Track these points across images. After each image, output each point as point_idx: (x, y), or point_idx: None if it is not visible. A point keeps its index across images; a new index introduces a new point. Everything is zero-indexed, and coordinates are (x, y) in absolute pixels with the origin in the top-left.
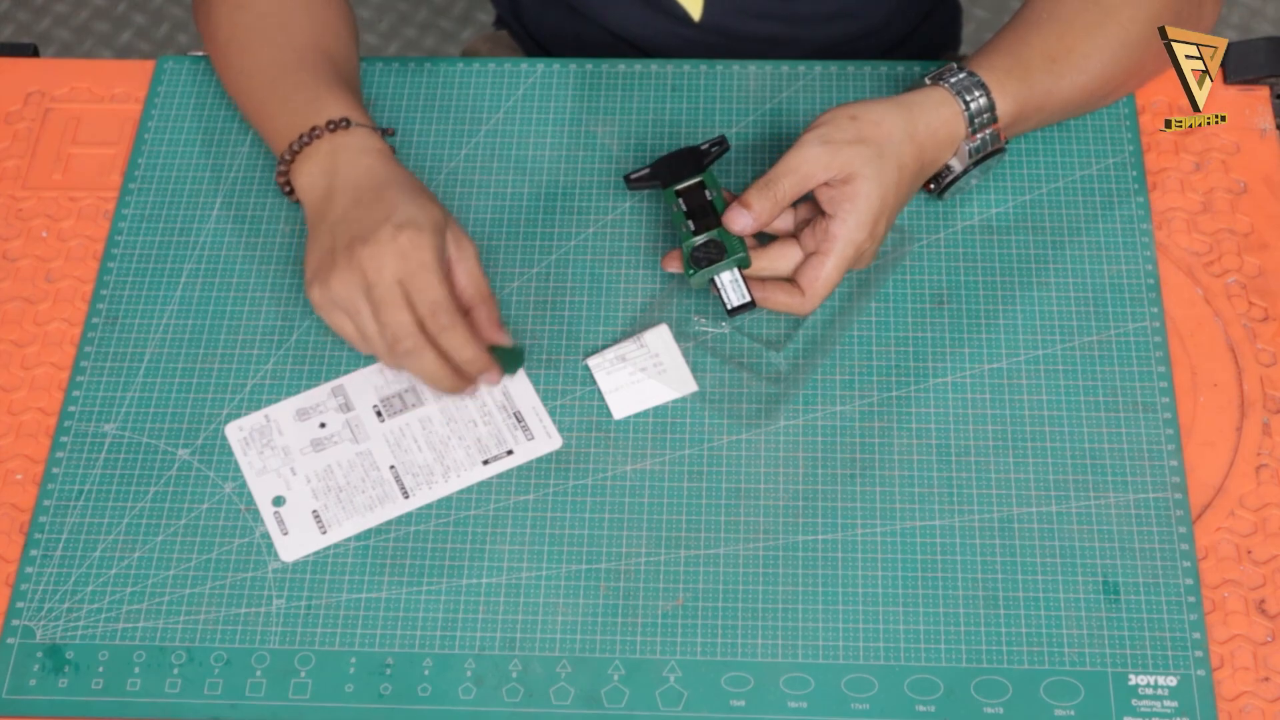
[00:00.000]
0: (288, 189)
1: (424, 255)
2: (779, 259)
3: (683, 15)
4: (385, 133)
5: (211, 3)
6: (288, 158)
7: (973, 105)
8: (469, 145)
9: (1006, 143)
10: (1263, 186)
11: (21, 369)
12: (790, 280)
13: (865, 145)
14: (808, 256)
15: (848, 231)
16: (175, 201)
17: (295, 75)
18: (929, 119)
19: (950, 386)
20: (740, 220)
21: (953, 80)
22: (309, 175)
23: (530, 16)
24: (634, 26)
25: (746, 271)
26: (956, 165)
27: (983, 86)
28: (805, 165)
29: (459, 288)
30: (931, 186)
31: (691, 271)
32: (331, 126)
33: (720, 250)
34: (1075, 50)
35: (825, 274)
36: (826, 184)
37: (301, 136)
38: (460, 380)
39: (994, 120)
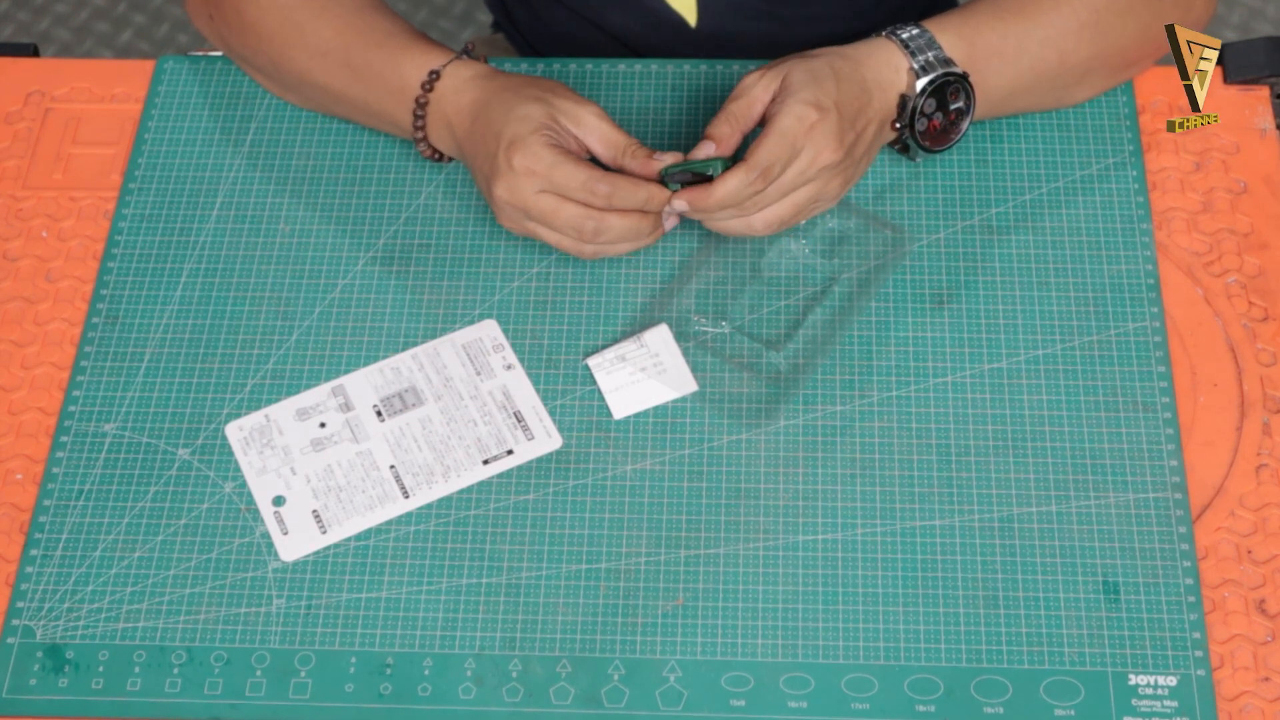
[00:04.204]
0: (435, 155)
1: (544, 157)
2: None
3: (678, 21)
4: (467, 52)
5: None
6: (419, 135)
7: (902, 33)
8: None
9: (968, 75)
10: (1263, 186)
11: (21, 369)
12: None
13: (793, 60)
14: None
15: (786, 105)
16: (175, 201)
17: (363, 39)
18: (860, 46)
19: (950, 386)
20: (704, 149)
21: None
22: (441, 140)
23: (525, 21)
24: (630, 31)
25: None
26: (910, 93)
27: (916, 28)
28: (745, 90)
29: (597, 154)
30: (897, 124)
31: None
32: (427, 86)
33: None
34: (1029, 5)
35: (766, 140)
36: (769, 104)
37: (415, 114)
38: (652, 219)
39: (938, 50)
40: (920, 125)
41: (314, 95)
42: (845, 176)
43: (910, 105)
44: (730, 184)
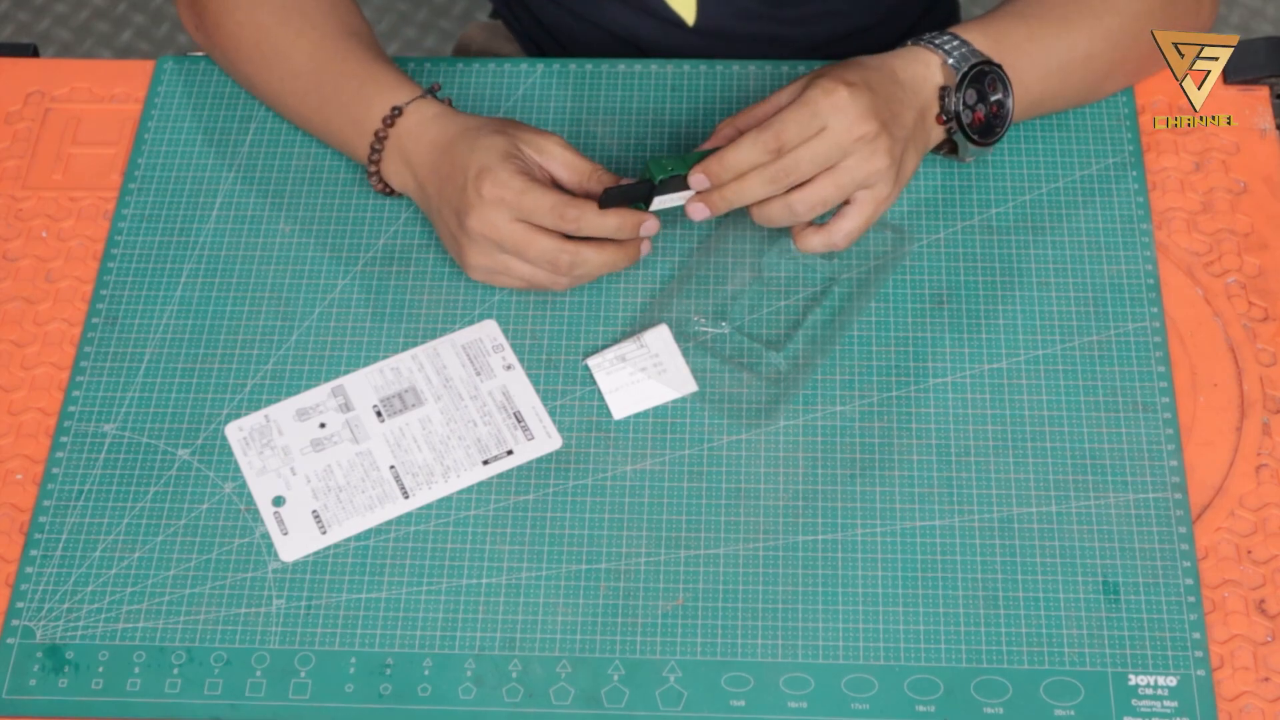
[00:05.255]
0: (385, 190)
1: (513, 184)
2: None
3: (676, 19)
4: (432, 93)
5: (223, 6)
6: (372, 169)
7: (934, 39)
8: None
9: (1000, 65)
10: (1263, 186)
11: (21, 369)
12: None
13: (823, 68)
14: None
15: (814, 82)
16: (175, 201)
17: (335, 67)
18: (889, 53)
19: (950, 386)
20: (696, 179)
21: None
22: (397, 175)
23: (525, 17)
24: (628, 29)
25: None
26: (949, 87)
27: (943, 33)
28: (773, 96)
29: (562, 180)
30: (943, 117)
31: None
32: (388, 121)
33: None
34: (1051, 10)
35: (791, 108)
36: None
37: (373, 146)
38: (630, 248)
39: (963, 43)
40: (966, 118)
41: (285, 113)
42: (890, 156)
43: (952, 96)
44: (742, 147)
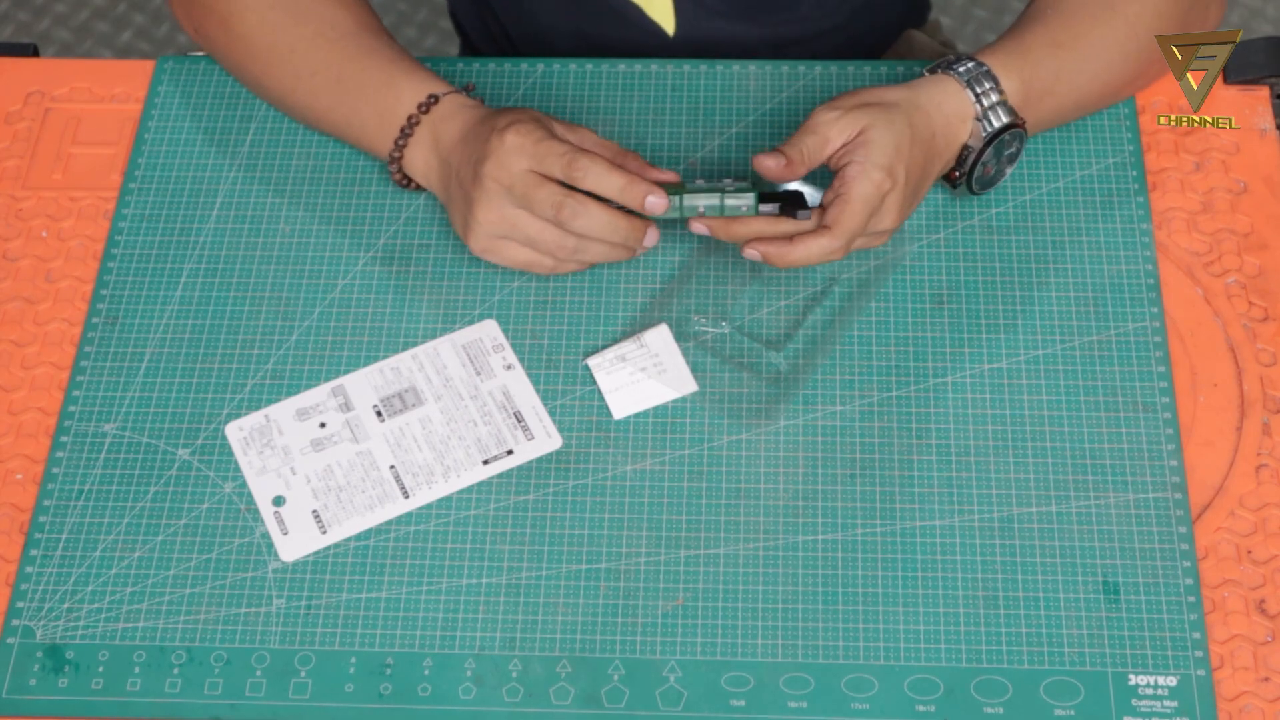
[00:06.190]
0: (404, 181)
1: (536, 134)
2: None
3: (656, 30)
4: (467, 89)
5: (231, 9)
6: (397, 155)
7: (974, 83)
8: None
9: (1024, 124)
10: (1263, 186)
11: (21, 369)
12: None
13: (871, 106)
14: (829, 202)
15: (865, 170)
16: (175, 201)
17: (359, 63)
18: (931, 92)
19: (950, 386)
20: (773, 159)
21: (952, 67)
22: (422, 160)
23: (500, 30)
24: (608, 40)
25: (776, 233)
26: (974, 144)
27: (983, 66)
28: (820, 127)
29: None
30: (956, 174)
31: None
32: (424, 109)
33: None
34: (1081, 38)
35: (849, 208)
36: (840, 148)
37: (403, 130)
38: (634, 229)
39: (1001, 95)
40: (976, 173)
41: (293, 112)
42: (889, 237)
43: (972, 159)
44: (813, 248)
